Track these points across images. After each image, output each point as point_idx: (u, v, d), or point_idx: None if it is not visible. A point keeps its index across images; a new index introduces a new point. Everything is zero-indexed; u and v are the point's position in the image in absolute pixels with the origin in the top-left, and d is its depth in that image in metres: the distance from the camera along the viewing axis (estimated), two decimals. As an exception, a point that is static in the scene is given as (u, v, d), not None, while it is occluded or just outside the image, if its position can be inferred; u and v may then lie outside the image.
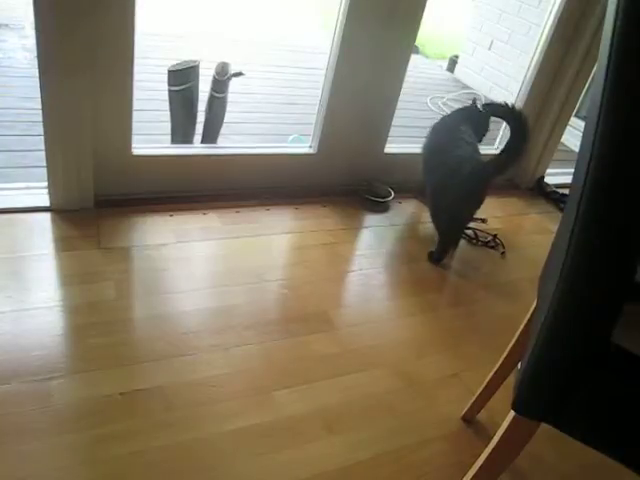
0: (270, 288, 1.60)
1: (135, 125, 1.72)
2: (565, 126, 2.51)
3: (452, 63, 4.54)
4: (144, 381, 1.23)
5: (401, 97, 2.12)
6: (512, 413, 0.86)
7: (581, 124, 3.23)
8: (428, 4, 1.90)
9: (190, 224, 1.78)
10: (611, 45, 0.63)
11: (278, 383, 1.31)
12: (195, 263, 1.64)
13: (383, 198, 2.13)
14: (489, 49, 4.17)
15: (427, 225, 2.08)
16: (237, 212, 1.89)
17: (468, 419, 1.34)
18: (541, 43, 2.31)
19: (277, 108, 3.06)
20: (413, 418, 1.31)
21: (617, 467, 0.79)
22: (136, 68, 1.62)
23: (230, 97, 2.39)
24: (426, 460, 1.22)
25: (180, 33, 3.74)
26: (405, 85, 2.08)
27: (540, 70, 2.33)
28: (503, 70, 3.80)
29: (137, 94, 1.66)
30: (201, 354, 1.34)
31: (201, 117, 2.34)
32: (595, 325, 0.74)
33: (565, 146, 3.22)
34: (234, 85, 2.37)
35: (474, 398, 1.31)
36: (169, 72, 2.17)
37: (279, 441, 1.18)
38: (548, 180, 2.58)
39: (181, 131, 2.29)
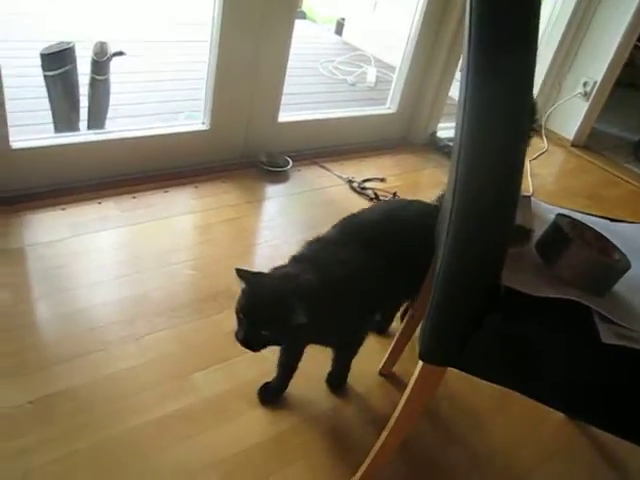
0: (177, 271, 1.57)
1: (11, 116, 1.61)
2: (451, 81, 2.59)
3: (339, 26, 4.53)
4: (54, 385, 1.18)
5: (292, 64, 2.10)
6: (420, 362, 0.90)
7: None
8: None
9: (85, 215, 1.70)
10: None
11: (194, 365, 1.30)
12: (95, 255, 1.57)
13: (282, 167, 2.12)
14: (374, 10, 4.21)
15: (327, 190, 2.10)
16: (134, 197, 1.82)
17: (385, 374, 1.39)
18: (420, 1, 2.35)
19: (165, 86, 2.95)
20: (332, 380, 1.34)
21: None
22: None
23: (113, 78, 2.28)
24: (349, 419, 1.26)
25: (41, 12, 3.44)
26: (295, 52, 2.06)
27: (422, 28, 2.38)
28: (388, 30, 3.85)
29: (6, 81, 1.54)
30: (112, 348, 1.30)
31: (84, 102, 2.22)
32: (484, 268, 0.78)
33: (454, 100, 3.32)
34: (116, 65, 2.26)
35: (387, 354, 1.36)
36: (42, 56, 2.03)
37: (202, 423, 1.18)
38: (440, 134, 2.67)
39: (64, 118, 2.17)
